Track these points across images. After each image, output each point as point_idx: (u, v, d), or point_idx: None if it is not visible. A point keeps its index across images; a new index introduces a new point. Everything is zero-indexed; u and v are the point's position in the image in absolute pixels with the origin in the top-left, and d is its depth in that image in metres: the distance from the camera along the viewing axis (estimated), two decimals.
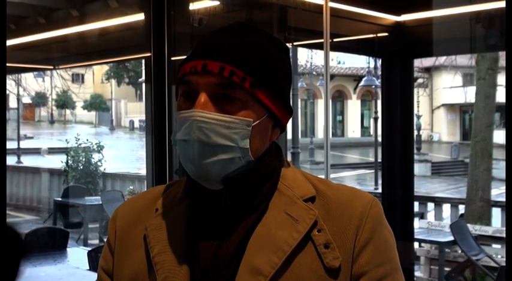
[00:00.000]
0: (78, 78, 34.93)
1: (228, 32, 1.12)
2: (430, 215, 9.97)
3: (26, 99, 30.95)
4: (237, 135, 1.06)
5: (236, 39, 1.10)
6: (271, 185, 1.13)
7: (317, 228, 1.08)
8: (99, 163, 13.50)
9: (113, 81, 37.83)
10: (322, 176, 3.17)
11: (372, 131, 28.46)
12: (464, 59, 17.72)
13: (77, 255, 5.97)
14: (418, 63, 18.74)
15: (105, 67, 35.24)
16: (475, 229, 8.16)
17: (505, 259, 7.40)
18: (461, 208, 10.34)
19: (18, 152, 19.56)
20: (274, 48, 1.14)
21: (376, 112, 18.81)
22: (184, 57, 1.12)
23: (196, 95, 1.07)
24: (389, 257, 1.12)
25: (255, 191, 1.11)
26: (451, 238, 7.37)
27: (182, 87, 1.10)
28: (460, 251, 7.65)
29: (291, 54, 1.30)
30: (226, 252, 1.07)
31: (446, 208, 10.07)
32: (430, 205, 10.09)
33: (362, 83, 20.99)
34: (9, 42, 6.07)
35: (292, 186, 1.13)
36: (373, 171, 16.99)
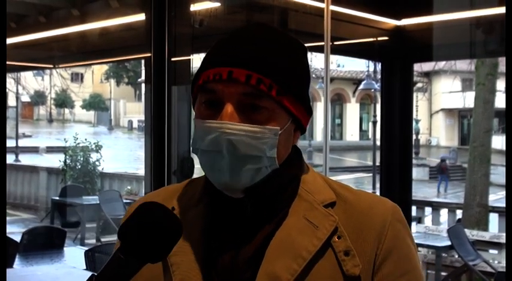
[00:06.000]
0: (77, 78, 34.92)
1: (248, 36, 1.09)
2: (428, 220, 9.97)
3: (25, 98, 30.93)
4: (265, 145, 1.04)
5: (258, 44, 1.07)
6: (291, 191, 1.11)
7: (337, 235, 1.06)
8: (97, 163, 13.50)
9: (112, 81, 37.82)
10: None
11: (370, 135, 28.48)
12: (463, 64, 17.74)
13: (74, 255, 5.95)
14: (418, 67, 18.75)
15: (105, 67, 35.23)
16: (472, 234, 8.16)
17: (501, 265, 7.41)
18: (459, 213, 10.35)
19: (17, 150, 19.55)
20: (294, 49, 1.12)
21: (375, 116, 18.80)
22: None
23: (220, 103, 1.04)
24: (412, 266, 1.11)
25: (276, 197, 1.09)
26: (448, 243, 7.37)
27: (205, 95, 1.07)
28: (457, 256, 7.65)
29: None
30: (244, 257, 1.06)
31: (444, 212, 10.08)
32: (428, 210, 10.10)
33: (361, 86, 21.03)
34: (10, 41, 6.07)
35: (313, 191, 1.11)
36: (371, 175, 16.99)
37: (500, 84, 12.00)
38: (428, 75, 26.56)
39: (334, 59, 24.00)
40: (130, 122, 37.08)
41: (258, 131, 1.04)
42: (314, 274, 1.04)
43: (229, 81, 1.03)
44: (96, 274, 0.95)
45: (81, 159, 13.50)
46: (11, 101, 22.57)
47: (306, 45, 1.16)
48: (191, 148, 1.10)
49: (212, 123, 1.04)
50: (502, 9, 3.81)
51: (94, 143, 14.00)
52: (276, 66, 1.06)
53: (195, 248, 1.09)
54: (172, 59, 4.10)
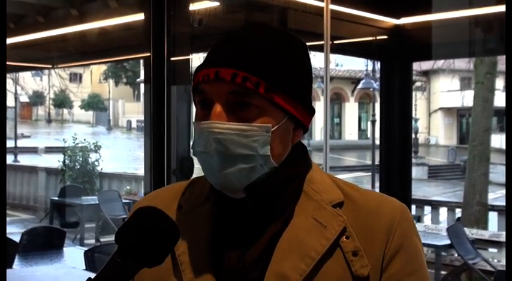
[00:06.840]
0: (76, 78, 34.95)
1: (241, 36, 1.09)
2: (427, 219, 9.97)
3: (24, 98, 30.91)
4: (256, 143, 1.04)
5: (249, 42, 1.07)
6: (294, 189, 1.10)
7: (345, 235, 1.06)
8: (96, 163, 13.49)
9: (111, 81, 37.82)
10: None
11: (369, 134, 28.50)
12: (462, 63, 17.76)
13: (74, 255, 5.95)
14: (416, 66, 18.77)
15: (103, 67, 35.23)
16: (471, 232, 8.17)
17: (501, 263, 7.41)
18: (458, 212, 10.35)
19: (15, 151, 19.54)
20: (290, 47, 1.11)
21: (373, 115, 18.82)
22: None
23: (211, 104, 1.05)
24: (420, 265, 1.11)
25: (277, 195, 1.09)
26: (448, 242, 7.37)
27: (198, 96, 1.08)
28: (456, 255, 7.66)
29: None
30: (252, 257, 1.06)
31: (443, 211, 10.09)
32: (427, 209, 10.10)
33: (360, 85, 21.01)
34: (8, 41, 6.06)
35: (321, 190, 1.11)
36: (370, 174, 17.00)
37: (499, 83, 12.02)
38: (427, 74, 26.60)
39: (333, 58, 24.02)
40: (129, 122, 37.09)
41: (247, 129, 1.04)
42: (323, 274, 1.04)
43: (216, 81, 1.04)
44: (92, 277, 0.95)
45: (80, 159, 13.49)
46: (10, 101, 22.55)
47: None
48: (192, 151, 1.11)
49: (202, 124, 1.05)
50: (501, 8, 3.82)
51: (93, 143, 13.99)
52: (264, 64, 1.05)
53: (203, 247, 1.09)
54: (172, 59, 4.09)
